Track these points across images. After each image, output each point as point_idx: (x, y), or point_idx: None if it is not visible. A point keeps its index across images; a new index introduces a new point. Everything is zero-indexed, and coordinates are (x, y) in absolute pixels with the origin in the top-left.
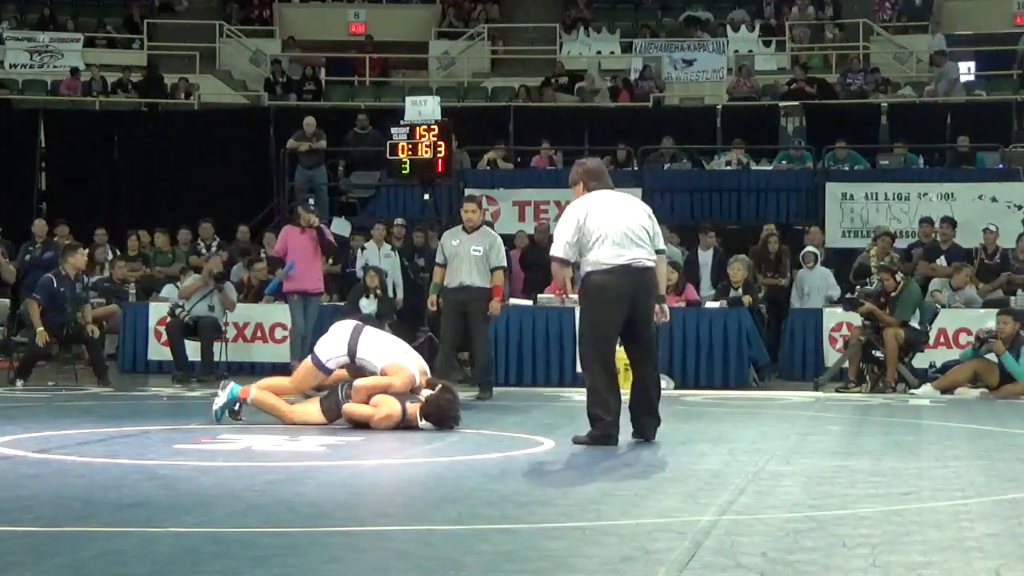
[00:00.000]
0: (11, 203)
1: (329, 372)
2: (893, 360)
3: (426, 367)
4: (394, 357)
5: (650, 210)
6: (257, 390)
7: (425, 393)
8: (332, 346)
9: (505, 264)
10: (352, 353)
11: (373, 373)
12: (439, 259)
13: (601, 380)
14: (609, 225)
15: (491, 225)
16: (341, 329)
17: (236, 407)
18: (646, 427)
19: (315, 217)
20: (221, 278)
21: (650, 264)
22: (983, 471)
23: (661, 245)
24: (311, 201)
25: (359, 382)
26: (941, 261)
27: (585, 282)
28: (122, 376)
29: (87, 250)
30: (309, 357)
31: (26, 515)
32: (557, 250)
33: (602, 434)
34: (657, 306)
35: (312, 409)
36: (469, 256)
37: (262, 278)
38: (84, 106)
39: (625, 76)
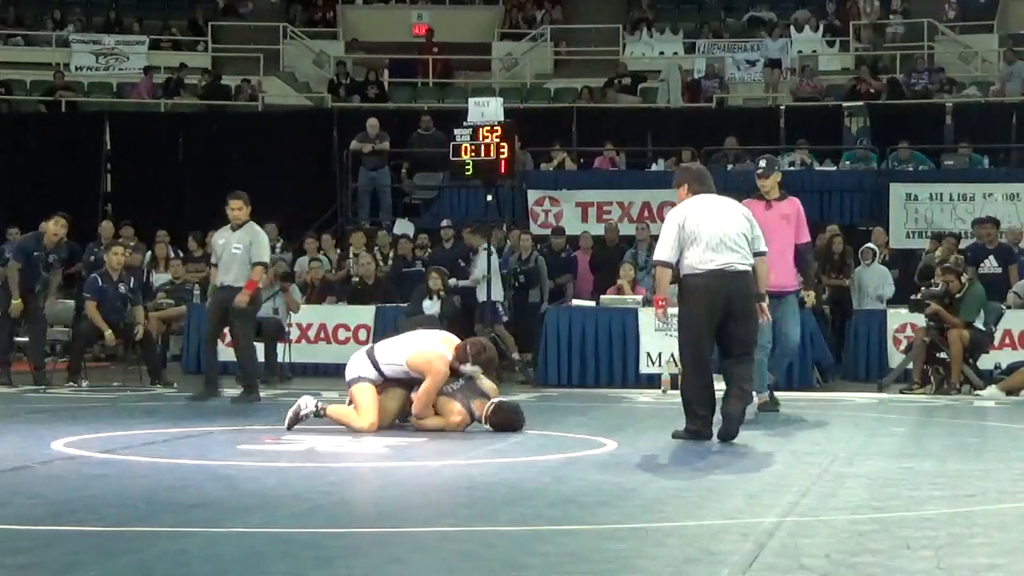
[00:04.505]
0: (76, 204)
1: (380, 373)
2: (958, 361)
3: (454, 337)
4: (413, 348)
5: (749, 213)
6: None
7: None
8: (362, 367)
9: (266, 260)
10: (376, 367)
11: (405, 376)
12: (213, 260)
13: (693, 380)
14: (705, 229)
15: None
16: (358, 356)
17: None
18: (729, 427)
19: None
20: (287, 278)
21: (743, 268)
22: None
23: (762, 248)
24: (762, 164)
25: (415, 409)
26: (991, 261)
27: (681, 285)
28: (186, 377)
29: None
30: (359, 384)
31: (91, 515)
32: (660, 253)
33: (694, 431)
34: (757, 305)
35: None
36: (230, 254)
37: (318, 277)
38: (149, 108)
39: (690, 77)
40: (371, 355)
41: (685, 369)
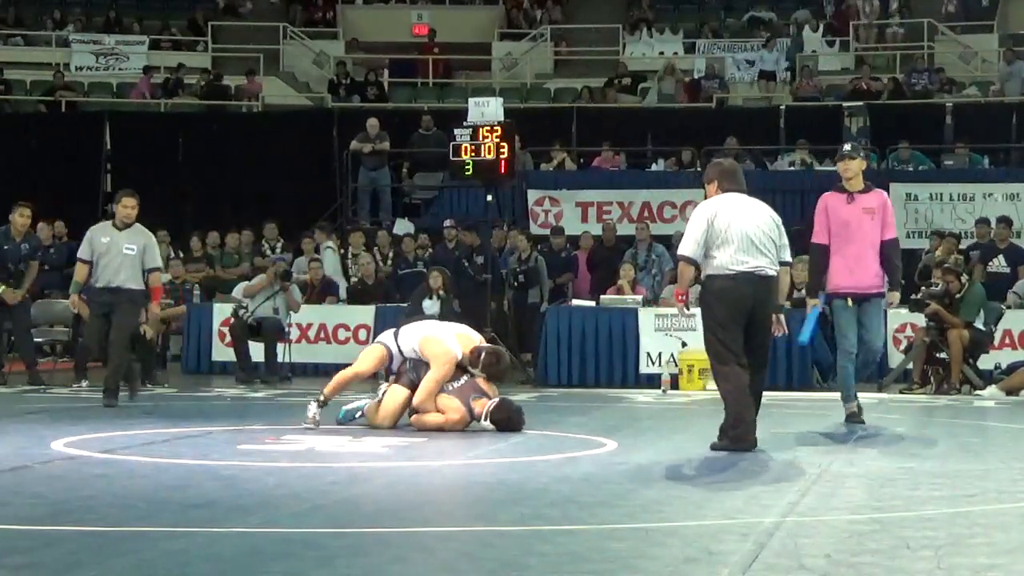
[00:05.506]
0: (76, 204)
1: (391, 354)
2: (958, 361)
3: (474, 336)
4: (428, 332)
5: (779, 219)
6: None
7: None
8: (386, 336)
9: (161, 265)
10: (396, 340)
11: (414, 356)
12: (84, 255)
13: (729, 386)
14: (736, 230)
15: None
16: (387, 332)
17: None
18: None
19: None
20: (287, 277)
21: (771, 273)
22: None
23: (787, 257)
24: (847, 146)
25: (416, 400)
26: (1000, 260)
27: (706, 286)
28: (185, 377)
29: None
30: (375, 343)
31: (91, 515)
32: (685, 248)
33: (739, 438)
34: (774, 316)
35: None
36: (121, 255)
37: (319, 278)
38: (149, 108)
39: (690, 77)
40: (396, 334)
41: (718, 378)
